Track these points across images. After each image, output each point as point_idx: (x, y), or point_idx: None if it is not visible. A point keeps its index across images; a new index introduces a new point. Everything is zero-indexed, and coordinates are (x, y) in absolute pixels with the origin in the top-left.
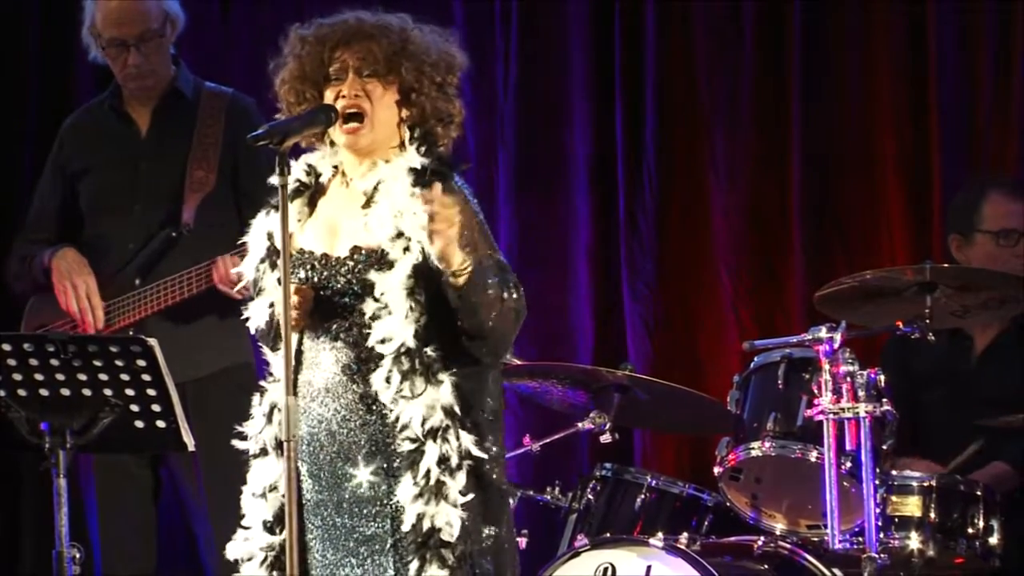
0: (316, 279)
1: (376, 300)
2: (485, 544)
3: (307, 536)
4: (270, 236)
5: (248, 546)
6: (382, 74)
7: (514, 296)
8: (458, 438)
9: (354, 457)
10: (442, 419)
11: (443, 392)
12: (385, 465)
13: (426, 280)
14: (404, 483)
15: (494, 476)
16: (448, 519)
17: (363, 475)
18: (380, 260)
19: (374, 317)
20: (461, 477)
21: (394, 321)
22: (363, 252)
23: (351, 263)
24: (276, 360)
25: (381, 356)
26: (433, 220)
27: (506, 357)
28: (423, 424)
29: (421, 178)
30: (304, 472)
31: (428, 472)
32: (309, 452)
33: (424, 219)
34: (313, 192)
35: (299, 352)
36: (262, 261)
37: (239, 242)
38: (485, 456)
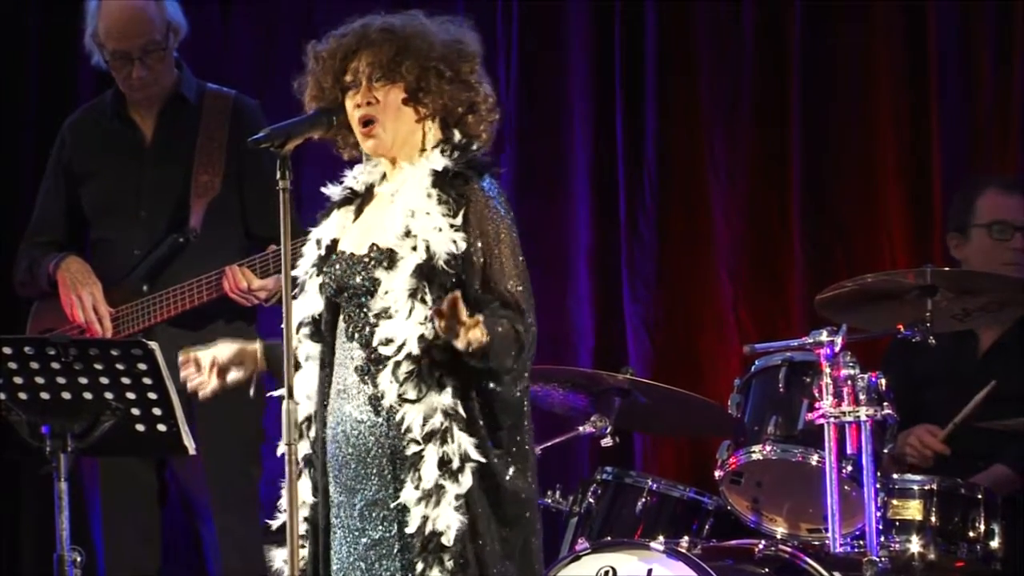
0: (341, 276)
1: (382, 299)
2: (501, 547)
3: (331, 538)
4: (319, 242)
5: (281, 558)
6: (388, 77)
7: (523, 342)
8: (458, 440)
9: (365, 459)
10: (442, 421)
11: (444, 394)
12: (392, 469)
13: (432, 280)
14: (408, 486)
15: (507, 478)
16: (448, 522)
17: (372, 478)
18: (389, 259)
19: (379, 316)
20: (465, 479)
21: (397, 322)
22: (377, 250)
23: (367, 260)
24: (304, 372)
25: (388, 357)
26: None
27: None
28: (424, 426)
29: (442, 179)
30: (330, 474)
31: (429, 475)
32: (332, 453)
33: (437, 220)
34: (362, 199)
35: (331, 352)
36: (312, 266)
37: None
38: (486, 460)
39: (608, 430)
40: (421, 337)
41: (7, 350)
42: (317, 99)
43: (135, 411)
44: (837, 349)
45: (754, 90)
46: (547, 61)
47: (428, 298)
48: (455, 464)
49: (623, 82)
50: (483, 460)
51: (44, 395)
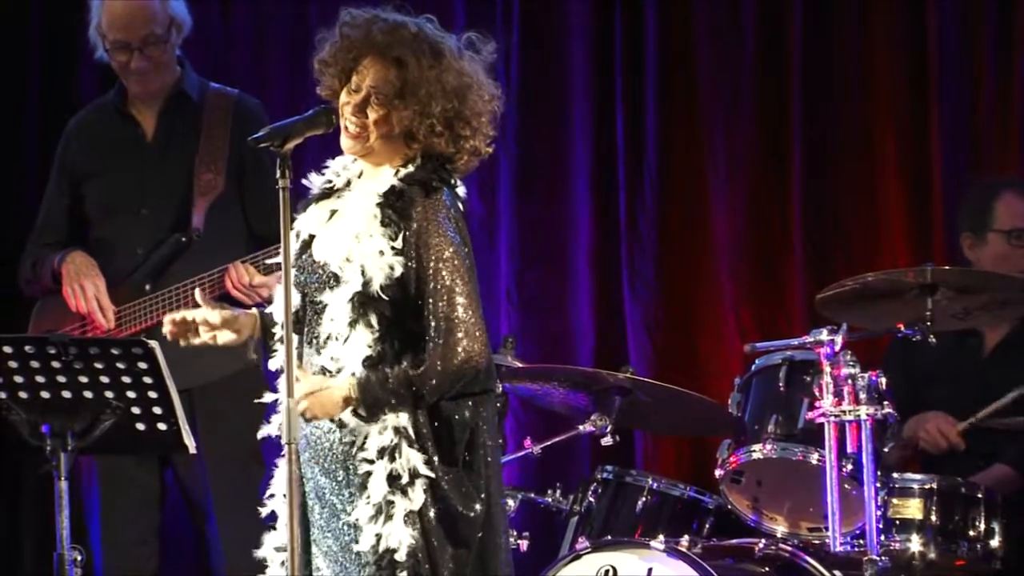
0: (305, 283)
1: (328, 324)
2: (456, 567)
3: (310, 535)
4: (297, 235)
5: (270, 547)
6: (383, 104)
7: (423, 379)
8: (407, 456)
9: (323, 464)
10: (392, 438)
11: (395, 414)
12: (346, 475)
13: (370, 306)
14: (359, 504)
15: (456, 498)
16: (400, 538)
17: (331, 482)
18: (335, 282)
19: (327, 339)
20: (415, 495)
21: (338, 346)
22: (327, 273)
23: (321, 278)
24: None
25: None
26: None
27: (486, 384)
28: (375, 443)
29: (388, 199)
30: (304, 472)
31: (378, 491)
32: (302, 455)
33: (379, 243)
34: (339, 197)
35: (301, 355)
36: (293, 258)
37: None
38: (435, 477)
39: (608, 429)
40: (367, 359)
41: (7, 349)
42: (324, 65)
43: (135, 410)
44: (837, 348)
45: (754, 90)
46: (547, 61)
47: (372, 320)
48: (404, 479)
49: (623, 82)
50: (432, 476)
51: (44, 394)
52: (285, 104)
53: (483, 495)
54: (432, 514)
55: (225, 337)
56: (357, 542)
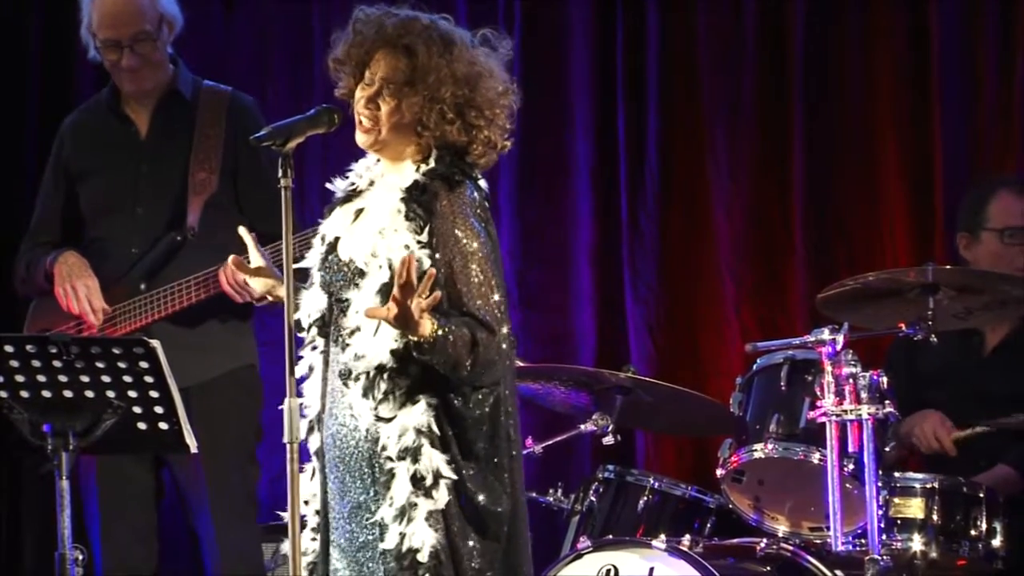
0: (331, 282)
1: (353, 317)
2: (481, 562)
3: (330, 533)
4: (323, 238)
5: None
6: (394, 94)
7: (479, 351)
8: (430, 457)
9: (349, 463)
10: (414, 439)
11: (417, 412)
12: (372, 473)
13: None
14: (384, 504)
15: (482, 494)
16: (423, 539)
17: (356, 481)
18: (360, 278)
19: (352, 332)
20: (439, 496)
21: (365, 339)
22: (352, 269)
23: (347, 275)
24: (314, 368)
25: (359, 372)
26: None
27: (496, 379)
28: (397, 444)
29: (412, 194)
30: (328, 473)
31: (402, 492)
32: (327, 455)
33: (404, 237)
34: (362, 198)
35: (327, 354)
36: (318, 260)
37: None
38: (459, 476)
39: (610, 428)
40: (393, 352)
41: (9, 348)
42: (338, 63)
43: (137, 409)
44: (839, 347)
45: (755, 89)
46: (548, 60)
47: None
48: (428, 481)
49: (625, 81)
50: (456, 477)
51: (46, 393)
52: (287, 104)
53: (508, 490)
54: (458, 512)
55: (250, 271)
56: (382, 540)
